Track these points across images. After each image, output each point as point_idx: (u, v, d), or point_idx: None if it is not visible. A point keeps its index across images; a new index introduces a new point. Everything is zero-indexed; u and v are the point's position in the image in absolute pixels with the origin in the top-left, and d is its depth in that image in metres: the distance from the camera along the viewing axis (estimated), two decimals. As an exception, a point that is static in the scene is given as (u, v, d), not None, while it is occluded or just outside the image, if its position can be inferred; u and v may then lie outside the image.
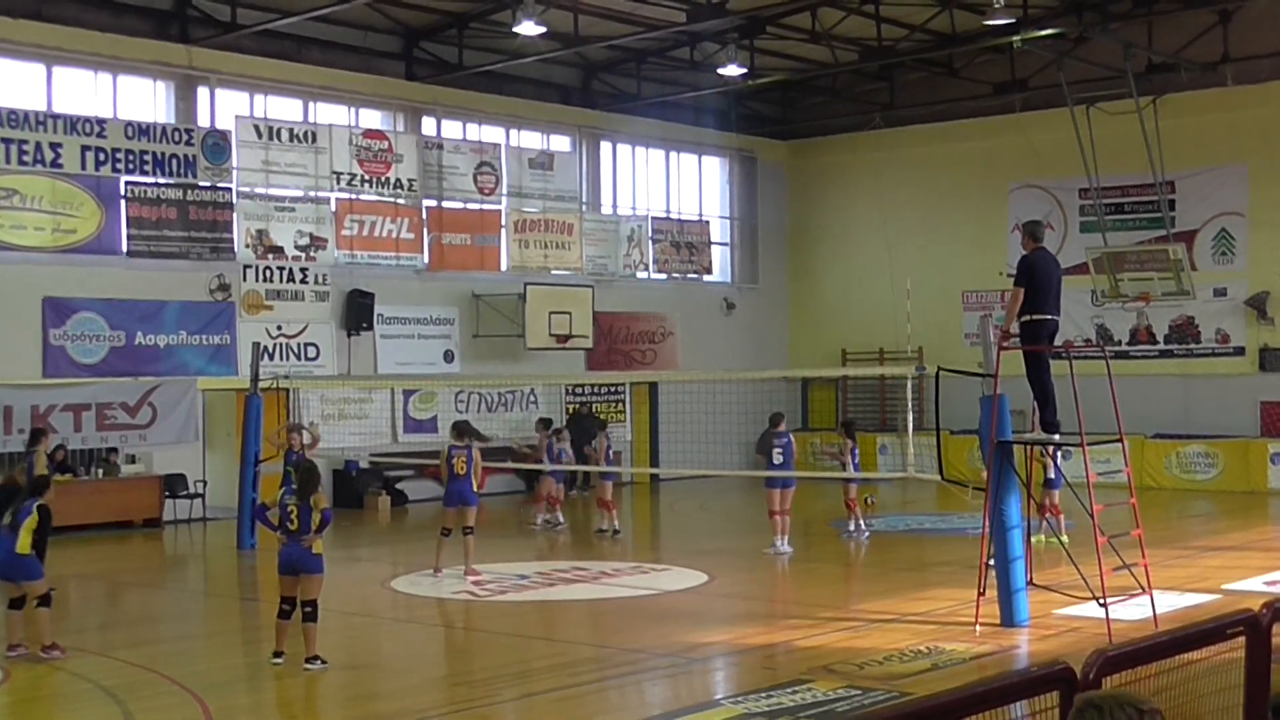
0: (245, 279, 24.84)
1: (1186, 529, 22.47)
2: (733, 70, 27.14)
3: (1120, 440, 13.81)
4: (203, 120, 24.58)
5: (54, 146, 22.54)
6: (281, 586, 12.41)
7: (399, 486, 26.44)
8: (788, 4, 26.01)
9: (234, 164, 24.66)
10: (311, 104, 26.32)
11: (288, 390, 23.21)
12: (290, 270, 25.40)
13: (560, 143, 30.26)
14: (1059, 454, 16.86)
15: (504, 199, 28.63)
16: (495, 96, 28.67)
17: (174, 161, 23.87)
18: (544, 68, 28.94)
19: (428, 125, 27.98)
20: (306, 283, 25.60)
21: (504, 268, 28.56)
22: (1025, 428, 16.87)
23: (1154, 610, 12.98)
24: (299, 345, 25.52)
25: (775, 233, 34.23)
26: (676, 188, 32.67)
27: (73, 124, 22.78)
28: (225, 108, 24.94)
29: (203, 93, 24.67)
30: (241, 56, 24.87)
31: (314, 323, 25.69)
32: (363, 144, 26.48)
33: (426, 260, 27.41)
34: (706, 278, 32.80)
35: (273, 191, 25.37)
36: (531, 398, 28.53)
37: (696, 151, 32.87)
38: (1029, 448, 15.17)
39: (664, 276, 31.79)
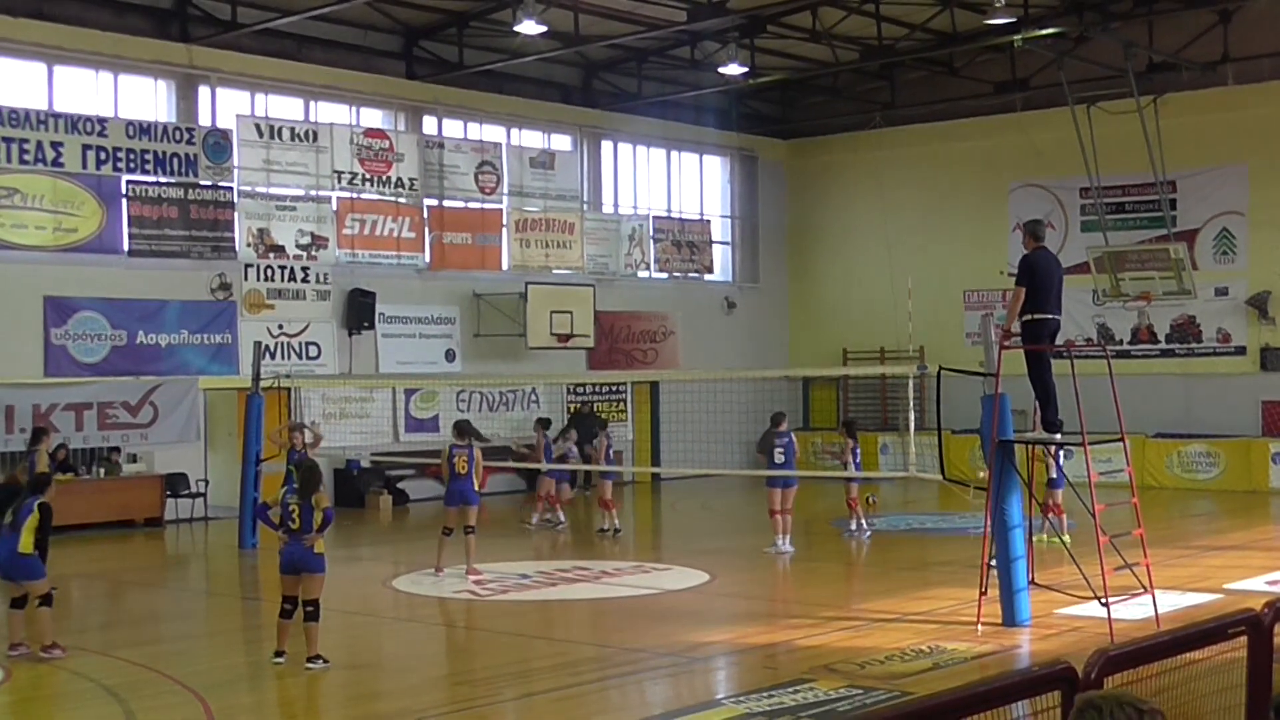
0: (246, 278, 24.84)
1: (1188, 528, 22.46)
2: (733, 69, 27.15)
3: (1122, 440, 13.80)
4: (204, 119, 24.58)
5: (55, 145, 22.54)
6: (283, 586, 12.41)
7: (400, 486, 26.45)
8: (788, 3, 26.00)
9: (235, 163, 24.67)
10: (312, 103, 26.32)
11: (289, 389, 23.21)
12: (291, 269, 25.41)
13: (561, 142, 30.26)
14: (1061, 453, 16.85)
15: (505, 198, 28.63)
16: (496, 95, 28.67)
17: (175, 160, 23.88)
18: (545, 67, 28.94)
19: (429, 124, 27.98)
20: (308, 282, 25.60)
21: (505, 267, 28.56)
22: (1027, 427, 16.88)
23: (1155, 610, 12.98)
24: (300, 344, 25.53)
25: (776, 232, 34.23)
26: (677, 187, 32.67)
27: (74, 123, 22.78)
28: (226, 107, 24.95)
29: (204, 92, 24.68)
30: (242, 55, 24.87)
31: (315, 322, 25.69)
32: (364, 143, 26.49)
33: (428, 259, 27.41)
34: (707, 277, 32.81)
35: (274, 190, 25.38)
36: (533, 397, 28.53)
37: (697, 151, 32.87)
38: (1031, 447, 15.16)
39: (665, 276, 31.80)
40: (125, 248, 23.42)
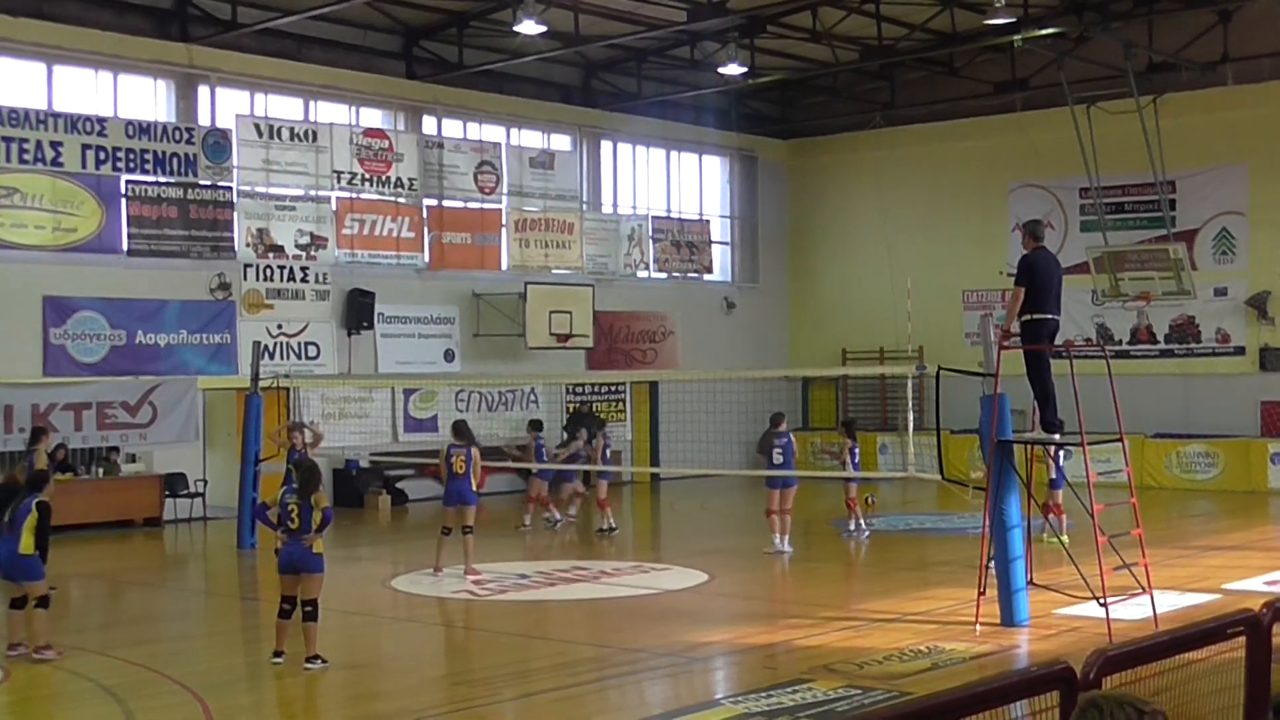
0: (246, 278, 24.84)
1: (1187, 529, 22.46)
2: (733, 69, 27.14)
3: (1120, 440, 13.80)
4: (203, 119, 24.58)
5: (54, 145, 22.54)
6: (282, 586, 12.41)
7: (399, 486, 26.45)
8: (788, 3, 26.00)
9: (234, 163, 24.67)
10: (312, 103, 26.32)
11: (288, 389, 23.19)
12: (291, 269, 25.41)
13: (561, 142, 30.26)
14: (1061, 454, 16.84)
15: (504, 198, 28.63)
16: (496, 95, 28.67)
17: (174, 160, 23.87)
18: (544, 67, 28.94)
19: (428, 124, 27.98)
20: (307, 282, 25.60)
21: (504, 267, 28.56)
22: (1026, 427, 16.88)
23: (1154, 610, 12.98)
24: (299, 344, 25.52)
25: (775, 232, 34.23)
26: (677, 187, 32.67)
27: (73, 123, 22.78)
28: (226, 106, 24.94)
29: (203, 91, 24.68)
30: (242, 55, 24.87)
31: (314, 322, 25.69)
32: (363, 143, 26.49)
33: (427, 259, 27.41)
34: (707, 277, 32.81)
35: (273, 190, 25.37)
36: (532, 397, 28.52)
37: (697, 151, 32.87)
38: (1030, 448, 15.16)
39: (664, 276, 31.79)
40: (124, 247, 23.42)
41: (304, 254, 25.56)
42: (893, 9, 26.65)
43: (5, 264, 22.10)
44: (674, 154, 32.55)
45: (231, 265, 24.65)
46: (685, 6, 25.12)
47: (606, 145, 31.22)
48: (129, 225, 23.41)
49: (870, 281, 31.84)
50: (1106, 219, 27.29)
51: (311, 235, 25.68)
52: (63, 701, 11.72)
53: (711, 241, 32.95)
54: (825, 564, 19.32)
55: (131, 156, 23.38)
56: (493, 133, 28.97)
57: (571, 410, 28.73)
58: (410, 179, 27.08)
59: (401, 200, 27.04)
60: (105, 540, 21.55)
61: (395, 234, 26.87)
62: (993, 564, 13.42)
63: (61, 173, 22.61)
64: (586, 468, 22.27)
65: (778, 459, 19.00)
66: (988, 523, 13.43)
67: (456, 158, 27.93)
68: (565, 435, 26.21)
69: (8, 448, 21.56)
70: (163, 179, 23.73)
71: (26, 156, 22.26)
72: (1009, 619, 13.37)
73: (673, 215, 32.21)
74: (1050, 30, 26.19)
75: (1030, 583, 13.68)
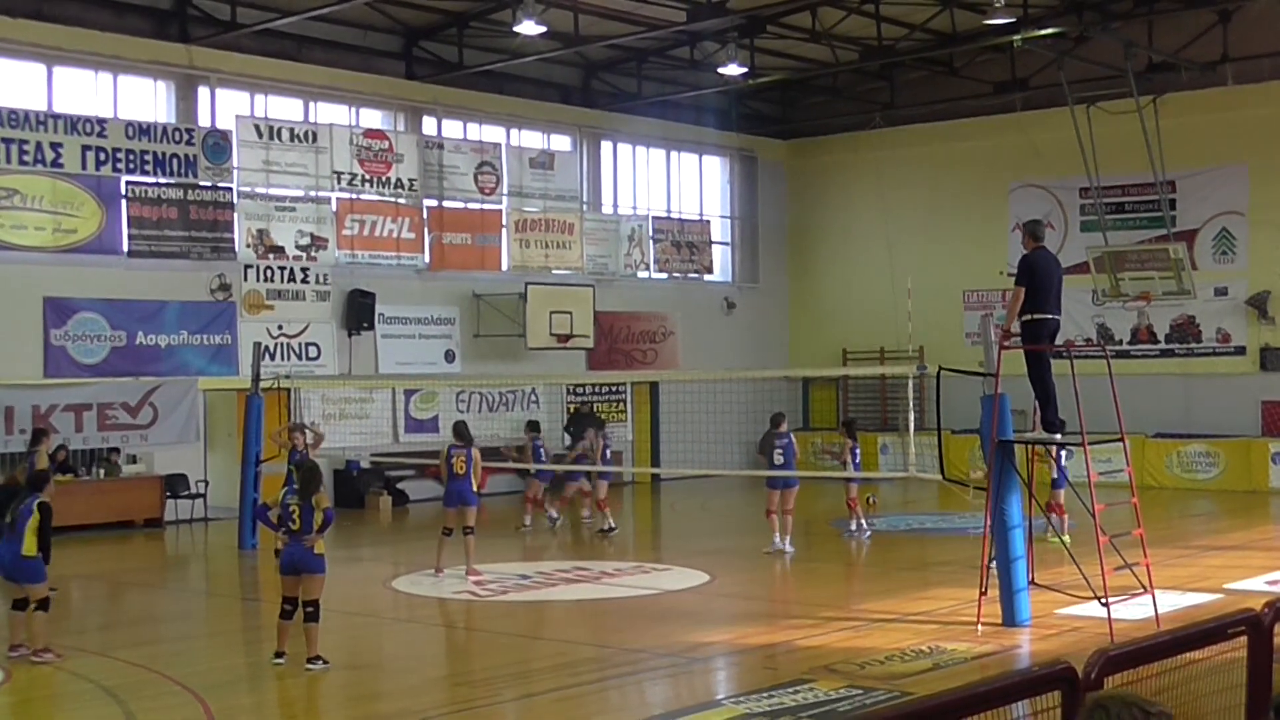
0: (246, 279, 24.84)
1: (1188, 528, 22.46)
2: (733, 70, 27.14)
3: (1121, 440, 13.80)
4: (203, 120, 24.58)
5: (54, 146, 22.54)
6: (283, 586, 12.41)
7: (400, 486, 26.45)
8: (788, 3, 26.00)
9: (234, 164, 24.67)
10: (312, 104, 26.32)
11: (289, 390, 23.21)
12: (291, 270, 25.41)
13: (561, 142, 30.26)
14: (1063, 453, 16.84)
15: (504, 198, 28.63)
16: (496, 96, 28.67)
17: (174, 161, 23.87)
18: (544, 67, 28.94)
19: (428, 125, 27.98)
20: (307, 282, 25.60)
21: (505, 267, 28.56)
22: (1026, 427, 16.88)
23: (1155, 610, 12.98)
24: (300, 345, 25.52)
25: (776, 232, 34.23)
26: (677, 187, 32.67)
27: (73, 124, 22.78)
28: (226, 107, 24.95)
29: (203, 92, 24.68)
30: (242, 56, 24.87)
31: (315, 322, 25.69)
32: (363, 144, 26.49)
33: (427, 260, 27.41)
34: (707, 277, 32.80)
35: (273, 191, 25.37)
36: (532, 397, 28.52)
37: (697, 151, 32.87)
38: (1032, 447, 15.16)
39: (664, 276, 31.79)
40: (125, 248, 23.42)
41: (304, 255, 25.56)
42: (892, 9, 26.65)
43: (5, 265, 22.10)
44: (674, 154, 32.56)
45: (232, 266, 24.65)
46: (685, 7, 25.12)
47: (606, 145, 31.22)
48: (129, 226, 23.42)
49: (871, 282, 31.84)
50: (1107, 219, 27.29)
51: (312, 236, 25.68)
52: (64, 702, 11.73)
53: (712, 242, 32.95)
54: (826, 564, 19.32)
55: (131, 157, 23.38)
56: (493, 133, 28.97)
57: (572, 410, 28.73)
58: (410, 179, 27.09)
59: (402, 201, 27.05)
60: (106, 541, 21.55)
61: (395, 235, 26.87)
62: (994, 564, 13.42)
63: (62, 174, 22.61)
64: (588, 468, 22.29)
65: (778, 459, 19.00)
66: (989, 523, 13.43)
67: (456, 158, 27.94)
68: (567, 436, 26.25)
69: (9, 449, 21.56)
70: (163, 180, 23.73)
71: (26, 158, 22.27)
72: (1010, 619, 13.37)
73: (673, 215, 32.21)
74: (1050, 30, 26.19)
75: (1032, 583, 13.68)
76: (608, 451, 22.76)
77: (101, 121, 23.14)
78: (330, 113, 26.53)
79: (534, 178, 29.16)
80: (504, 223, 28.71)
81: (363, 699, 11.46)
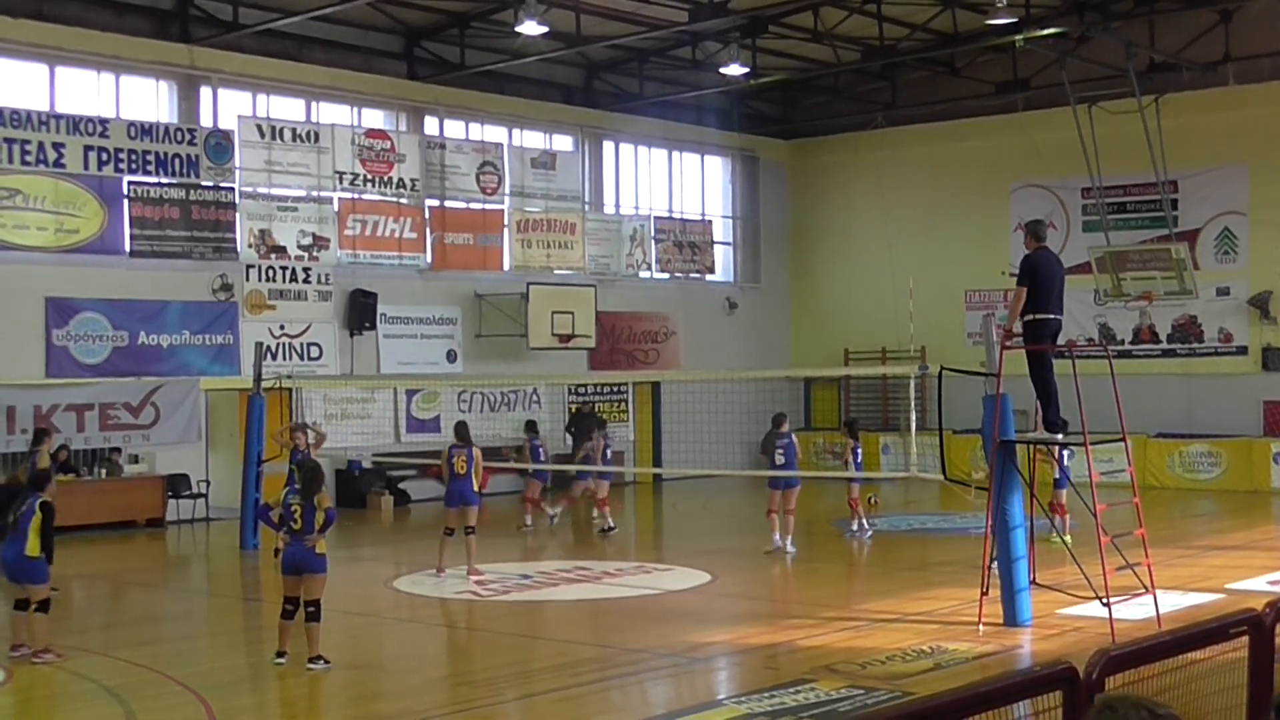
0: (248, 279, 24.85)
1: (1189, 528, 22.45)
2: (735, 70, 27.14)
3: (1123, 439, 13.80)
4: (205, 120, 24.59)
5: (56, 146, 22.55)
6: (285, 586, 12.41)
7: (402, 486, 26.45)
8: (789, 3, 26.00)
9: (236, 164, 24.68)
10: (314, 104, 26.33)
11: (290, 390, 23.21)
12: (293, 270, 25.41)
13: (563, 142, 30.26)
14: (1065, 453, 16.84)
15: (506, 199, 28.63)
16: (497, 96, 28.68)
17: (176, 161, 23.88)
18: (546, 67, 28.95)
19: (430, 125, 27.99)
20: (309, 282, 25.61)
21: (506, 267, 28.57)
22: (1028, 427, 16.87)
23: (1157, 610, 12.98)
24: (302, 345, 25.53)
25: (777, 232, 34.23)
26: (679, 187, 32.67)
27: (75, 124, 22.79)
28: (227, 107, 24.95)
29: (205, 92, 24.69)
30: (243, 56, 24.87)
31: (317, 322, 25.69)
32: (365, 144, 26.49)
33: (429, 260, 27.42)
34: (709, 277, 32.80)
35: (275, 191, 25.38)
36: (534, 398, 28.52)
37: (699, 151, 32.87)
38: (1033, 448, 15.16)
39: (666, 276, 31.80)
40: (127, 248, 23.43)
41: (306, 255, 25.57)
42: (894, 9, 26.64)
43: (7, 265, 22.11)
44: (676, 154, 32.56)
45: (234, 266, 24.66)
46: (687, 7, 25.12)
47: (608, 145, 31.22)
48: (131, 226, 23.42)
49: (872, 282, 31.85)
50: (1108, 219, 27.29)
51: (314, 236, 25.69)
52: (65, 702, 11.73)
53: (713, 242, 32.96)
54: (827, 564, 19.32)
55: (133, 157, 23.39)
56: (494, 133, 28.98)
57: (573, 411, 28.73)
58: (412, 180, 27.09)
59: (403, 201, 27.05)
60: (108, 541, 21.56)
61: (397, 235, 26.88)
62: (995, 564, 13.42)
63: (64, 174, 22.62)
64: (588, 468, 22.31)
65: (780, 460, 19.00)
66: (990, 523, 13.43)
67: (458, 158, 27.94)
68: (568, 436, 26.25)
69: (10, 449, 21.58)
70: (165, 180, 23.74)
71: (29, 158, 22.28)
72: (1012, 619, 13.37)
73: (675, 216, 32.21)
74: (1051, 30, 26.18)
75: (1033, 583, 13.68)
76: (608, 451, 22.78)
77: (103, 121, 23.15)
78: (332, 113, 26.53)
79: (536, 178, 29.16)
80: (506, 223, 28.72)
81: (364, 699, 11.46)
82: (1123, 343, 29.02)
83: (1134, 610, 13.16)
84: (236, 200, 24.72)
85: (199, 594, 18.49)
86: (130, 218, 23.41)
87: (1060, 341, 14.13)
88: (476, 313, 27.93)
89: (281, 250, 25.26)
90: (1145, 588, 13.06)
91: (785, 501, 19.11)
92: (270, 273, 25.15)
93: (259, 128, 25.10)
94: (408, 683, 11.86)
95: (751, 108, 33.27)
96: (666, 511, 27.22)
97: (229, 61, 24.78)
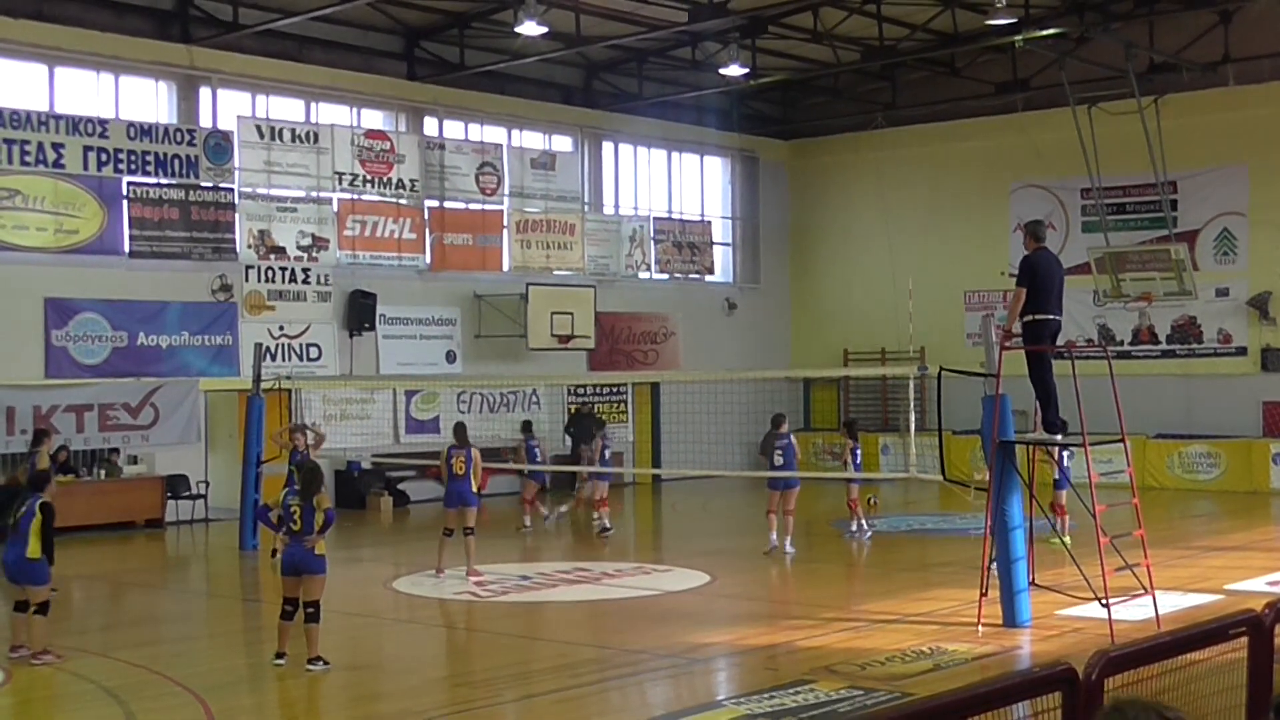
0: (247, 279, 24.84)
1: (1189, 529, 22.45)
2: (734, 70, 27.14)
3: (1122, 440, 13.80)
4: (204, 120, 24.58)
5: (56, 147, 22.55)
6: (284, 587, 12.41)
7: (401, 487, 26.45)
8: (789, 4, 26.00)
9: (236, 164, 24.67)
10: (313, 104, 26.32)
11: (290, 391, 23.22)
12: (292, 271, 25.41)
13: (562, 143, 30.26)
14: (1065, 454, 16.84)
15: (506, 199, 28.63)
16: (497, 96, 28.68)
17: (176, 162, 23.88)
18: (546, 68, 28.95)
19: (429, 125, 27.99)
20: (308, 283, 25.60)
21: (506, 268, 28.57)
22: (1027, 428, 16.87)
23: (1156, 611, 12.98)
24: (301, 346, 25.53)
25: (777, 233, 34.23)
26: (678, 188, 32.67)
27: (75, 124, 22.79)
28: (227, 108, 24.95)
29: (204, 93, 24.68)
30: (243, 56, 24.87)
31: (316, 323, 25.69)
32: (364, 144, 26.49)
33: (428, 260, 27.41)
34: (708, 278, 32.80)
35: (275, 192, 25.38)
36: (534, 398, 28.52)
37: (698, 151, 32.87)
38: (1033, 448, 15.15)
39: (666, 277, 31.79)
40: (126, 249, 23.42)
41: (305, 255, 25.57)
42: (894, 9, 26.64)
43: (7, 266, 22.10)
44: (675, 155, 32.56)
45: (233, 267, 24.66)
46: (686, 7, 25.12)
47: (608, 146, 31.22)
48: (130, 227, 23.42)
49: (872, 282, 31.85)
50: (1108, 219, 27.29)
51: (313, 237, 25.69)
52: (64, 703, 11.73)
53: (713, 242, 32.96)
54: (827, 565, 19.32)
55: (133, 158, 23.39)
56: (494, 134, 28.98)
57: (572, 411, 28.72)
58: (411, 180, 27.09)
59: (403, 201, 27.05)
60: (107, 542, 21.55)
61: (397, 235, 26.88)
62: (994, 565, 13.41)
63: (63, 174, 22.61)
64: (588, 469, 22.29)
65: (779, 461, 19.01)
66: (990, 524, 13.43)
67: (458, 159, 27.94)
68: (567, 438, 26.25)
69: (10, 450, 21.58)
70: (164, 180, 23.74)
71: (28, 158, 22.27)
72: (1011, 620, 13.37)
73: (674, 216, 32.21)
74: (1051, 31, 26.18)
75: (1032, 583, 13.68)
76: (606, 452, 22.80)
77: (103, 122, 23.15)
78: (331, 113, 26.53)
79: (535, 178, 29.16)
80: (505, 223, 28.72)
81: (363, 700, 11.46)
82: (1122, 343, 29.02)
83: (1133, 611, 13.16)
84: (236, 201, 24.72)
85: (198, 595, 18.49)
86: (130, 218, 23.40)
87: (1060, 342, 14.14)
88: (476, 313, 27.93)
89: (281, 251, 25.26)
90: (1144, 589, 13.06)
91: (784, 502, 19.11)
92: (269, 273, 25.15)
93: (258, 128, 25.10)
94: (407, 684, 11.86)
95: (751, 108, 33.27)
96: (666, 512, 27.22)
97: (229, 62, 24.78)
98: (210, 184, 24.34)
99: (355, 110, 26.99)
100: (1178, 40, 27.37)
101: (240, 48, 24.75)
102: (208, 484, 23.98)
